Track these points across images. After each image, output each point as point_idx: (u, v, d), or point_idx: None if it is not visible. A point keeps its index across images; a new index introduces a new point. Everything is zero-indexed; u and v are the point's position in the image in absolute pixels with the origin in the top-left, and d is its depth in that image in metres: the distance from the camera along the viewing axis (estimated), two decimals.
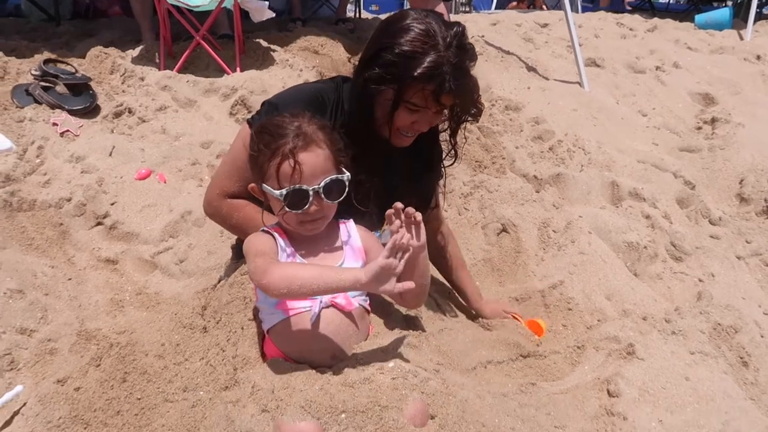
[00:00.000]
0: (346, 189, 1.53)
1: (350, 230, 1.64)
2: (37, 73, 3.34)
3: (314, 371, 1.46)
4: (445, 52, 1.67)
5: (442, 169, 2.08)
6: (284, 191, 1.46)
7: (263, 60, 4.07)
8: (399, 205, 1.43)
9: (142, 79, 3.61)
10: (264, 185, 1.52)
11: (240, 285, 1.82)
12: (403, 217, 1.42)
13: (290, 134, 1.49)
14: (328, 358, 1.51)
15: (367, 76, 1.75)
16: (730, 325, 2.10)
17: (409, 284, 1.36)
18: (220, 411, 1.46)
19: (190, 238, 2.51)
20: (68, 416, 1.63)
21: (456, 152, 2.00)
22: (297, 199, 1.47)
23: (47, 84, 3.24)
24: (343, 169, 1.54)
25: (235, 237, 2.11)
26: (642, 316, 2.20)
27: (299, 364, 1.50)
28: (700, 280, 2.51)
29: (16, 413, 1.63)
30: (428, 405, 1.38)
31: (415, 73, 1.66)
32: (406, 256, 1.37)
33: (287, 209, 1.48)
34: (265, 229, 1.59)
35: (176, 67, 3.80)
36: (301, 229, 1.53)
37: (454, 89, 1.69)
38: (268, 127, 1.54)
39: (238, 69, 3.88)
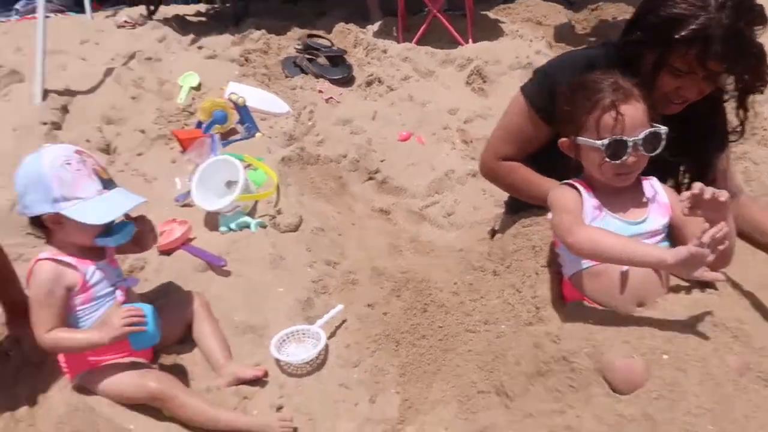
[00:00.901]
0: (662, 142, 1.57)
1: (655, 186, 1.67)
2: (300, 46, 3.81)
3: (624, 316, 1.53)
4: (716, 14, 1.57)
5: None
6: (606, 141, 1.53)
7: (492, 31, 4.18)
8: (698, 185, 1.39)
9: (385, 51, 3.91)
10: (580, 138, 1.60)
11: (524, 236, 1.96)
12: (706, 196, 1.38)
13: (607, 89, 1.56)
14: (634, 306, 1.57)
15: (628, 40, 1.75)
16: None
17: (718, 276, 1.35)
18: (528, 342, 1.59)
19: (455, 194, 2.72)
20: (383, 334, 1.90)
21: (743, 128, 1.88)
22: (617, 149, 1.53)
23: (310, 56, 3.66)
24: (658, 124, 1.57)
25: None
26: None
27: (604, 309, 1.58)
28: None
29: (338, 327, 1.94)
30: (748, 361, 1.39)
31: (677, 36, 1.59)
32: (721, 248, 1.35)
33: (607, 159, 1.55)
34: (569, 182, 1.68)
35: (414, 39, 4.06)
36: (614, 181, 1.59)
37: (721, 54, 1.58)
38: (582, 83, 1.61)
39: (470, 40, 4.04)
